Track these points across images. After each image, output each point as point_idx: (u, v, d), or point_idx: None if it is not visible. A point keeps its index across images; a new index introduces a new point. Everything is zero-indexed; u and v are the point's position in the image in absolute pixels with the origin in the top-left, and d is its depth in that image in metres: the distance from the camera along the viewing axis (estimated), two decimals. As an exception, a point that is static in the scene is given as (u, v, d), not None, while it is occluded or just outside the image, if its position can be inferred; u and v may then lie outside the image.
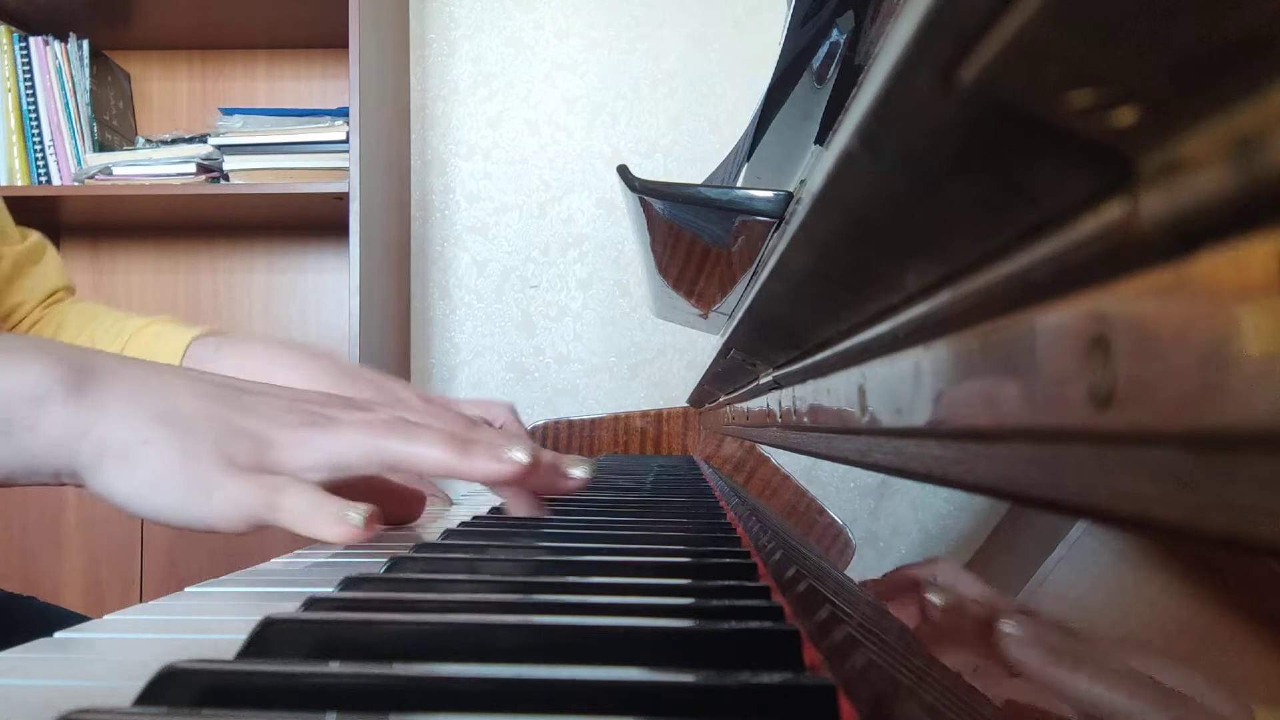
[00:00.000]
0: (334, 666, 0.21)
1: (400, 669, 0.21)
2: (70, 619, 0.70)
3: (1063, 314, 0.13)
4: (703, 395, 1.02)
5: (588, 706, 0.20)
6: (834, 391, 0.32)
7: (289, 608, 0.27)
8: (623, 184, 0.56)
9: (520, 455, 0.43)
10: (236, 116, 1.89)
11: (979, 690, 0.17)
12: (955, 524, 0.23)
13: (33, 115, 1.88)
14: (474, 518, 0.50)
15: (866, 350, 0.26)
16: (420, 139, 2.10)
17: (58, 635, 0.29)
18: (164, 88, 2.12)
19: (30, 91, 1.89)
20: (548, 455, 0.48)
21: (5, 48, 1.89)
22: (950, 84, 0.13)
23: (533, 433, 0.70)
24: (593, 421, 1.20)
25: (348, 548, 0.45)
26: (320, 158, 1.83)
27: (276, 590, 0.37)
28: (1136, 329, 0.11)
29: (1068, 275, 0.13)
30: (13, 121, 1.87)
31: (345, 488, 0.43)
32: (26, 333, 0.76)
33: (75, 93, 1.89)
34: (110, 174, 1.84)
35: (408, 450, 0.42)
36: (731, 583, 0.32)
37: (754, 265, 0.49)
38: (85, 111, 1.89)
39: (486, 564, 0.37)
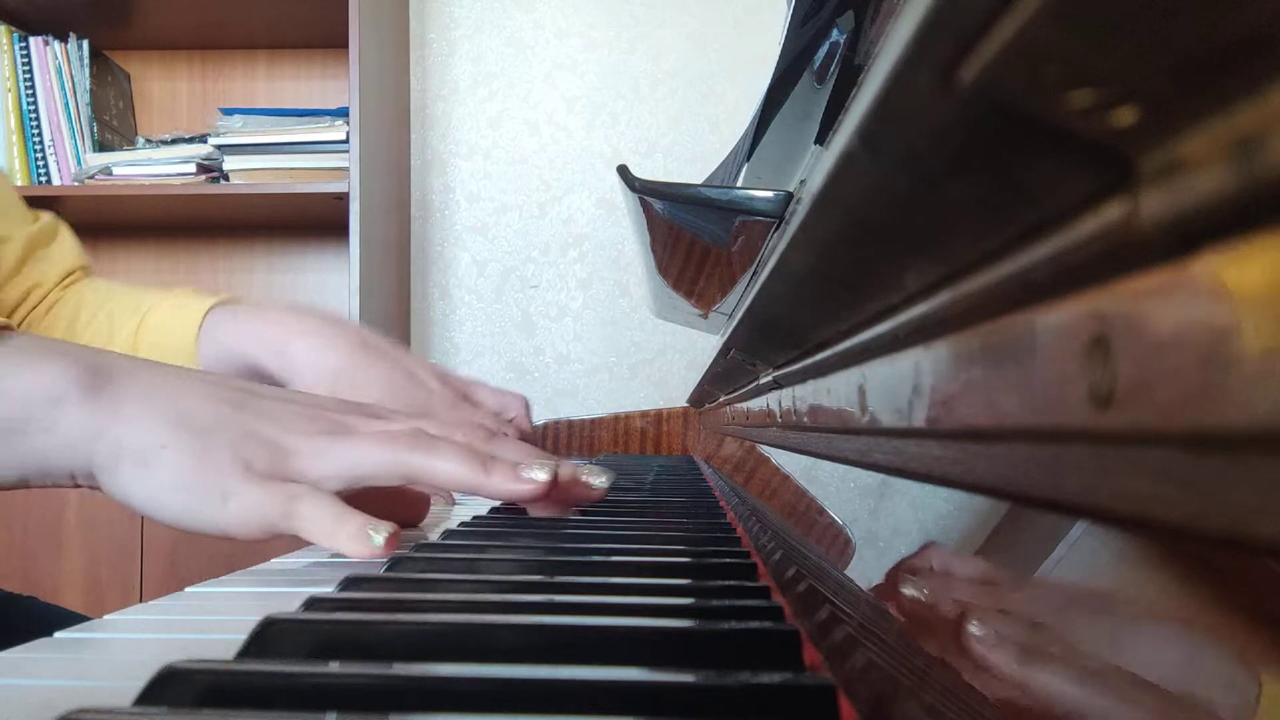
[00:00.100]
0: (334, 666, 0.21)
1: (400, 669, 0.21)
2: (70, 619, 0.70)
3: (1063, 314, 0.13)
4: (703, 395, 1.02)
5: (588, 706, 0.20)
6: (834, 391, 0.32)
7: (289, 608, 0.27)
8: (623, 184, 0.56)
9: (540, 474, 0.43)
10: (236, 116, 1.89)
11: (979, 690, 0.17)
12: (955, 524, 0.23)
13: (33, 115, 1.88)
14: (474, 518, 0.50)
15: (866, 350, 0.26)
16: (420, 139, 2.10)
17: (58, 635, 0.29)
18: (164, 88, 2.12)
19: (30, 91, 1.89)
20: (566, 469, 0.47)
21: (5, 48, 1.89)
22: (950, 84, 0.13)
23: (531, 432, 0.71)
24: (593, 421, 1.20)
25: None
26: (320, 158, 1.83)
27: (277, 590, 0.37)
28: (1136, 329, 0.11)
29: (1068, 275, 0.13)
30: (13, 121, 1.87)
31: (354, 492, 0.43)
32: (47, 314, 0.75)
33: (75, 93, 1.89)
34: (110, 174, 1.84)
35: (427, 465, 0.42)
36: (731, 583, 0.32)
37: (754, 265, 0.49)
38: (85, 111, 1.89)
39: (487, 564, 0.37)
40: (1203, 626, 0.12)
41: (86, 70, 1.90)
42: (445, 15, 2.11)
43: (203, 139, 1.88)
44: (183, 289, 0.75)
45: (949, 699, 0.18)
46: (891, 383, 0.23)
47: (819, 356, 0.34)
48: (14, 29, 1.89)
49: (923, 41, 0.13)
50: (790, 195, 0.44)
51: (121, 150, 1.92)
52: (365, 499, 0.44)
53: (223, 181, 1.85)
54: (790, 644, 0.23)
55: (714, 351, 0.75)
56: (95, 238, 2.03)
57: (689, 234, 0.59)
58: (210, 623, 0.32)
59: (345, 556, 0.40)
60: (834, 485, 0.37)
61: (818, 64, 0.51)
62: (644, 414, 1.24)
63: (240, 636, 0.24)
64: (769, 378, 0.50)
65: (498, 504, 0.57)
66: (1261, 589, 0.10)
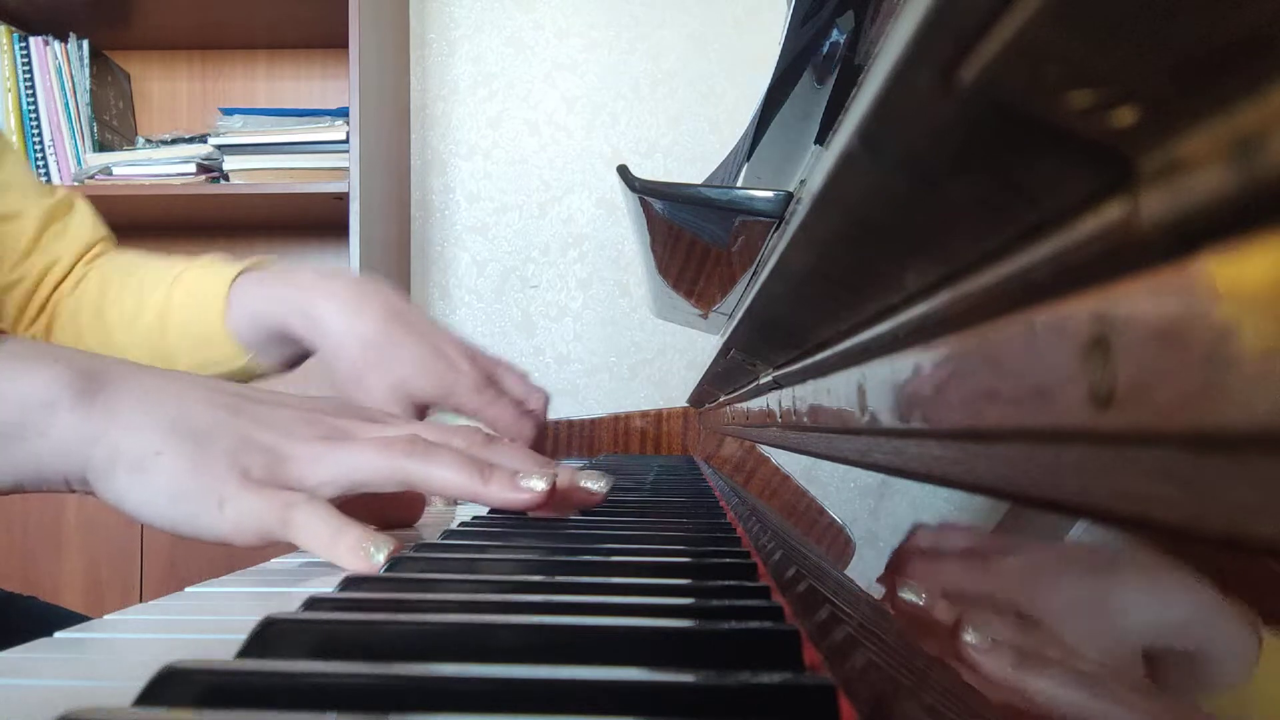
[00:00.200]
0: (334, 666, 0.21)
1: (400, 669, 0.21)
2: (71, 619, 0.70)
3: (1063, 314, 0.13)
4: (703, 395, 1.02)
5: (588, 706, 0.20)
6: (834, 391, 0.32)
7: (289, 608, 0.27)
8: (623, 184, 0.56)
9: (538, 484, 0.43)
10: (236, 116, 1.89)
11: (979, 691, 0.17)
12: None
13: (33, 115, 1.88)
14: (474, 518, 0.50)
15: (866, 350, 0.26)
16: (420, 139, 2.10)
17: (58, 635, 0.29)
18: (164, 88, 2.12)
19: (30, 91, 1.89)
20: (565, 475, 0.47)
21: (5, 48, 1.89)
22: (950, 84, 0.13)
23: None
24: (593, 421, 1.20)
25: None
26: (320, 158, 1.83)
27: (276, 590, 0.37)
28: (1136, 329, 0.11)
29: (1068, 275, 0.13)
30: (13, 121, 1.87)
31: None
32: (74, 290, 0.75)
33: (75, 93, 1.89)
34: (110, 174, 1.84)
35: (425, 472, 0.42)
36: (731, 583, 0.32)
37: (754, 265, 0.49)
38: (85, 111, 1.89)
39: (486, 564, 0.37)
40: (1202, 626, 0.12)
41: (86, 70, 1.90)
42: (445, 15, 2.11)
43: (203, 139, 1.89)
44: (210, 255, 0.74)
45: (949, 699, 0.18)
46: (891, 383, 0.23)
47: (819, 356, 0.34)
48: (14, 29, 1.89)
49: (923, 41, 0.13)
50: (790, 195, 0.44)
51: (121, 150, 1.92)
52: (361, 499, 0.44)
53: (223, 181, 1.85)
54: (790, 644, 0.23)
55: (714, 351, 0.75)
56: (95, 238, 2.03)
57: (689, 234, 0.59)
58: (210, 623, 0.32)
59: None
60: (834, 485, 0.37)
61: (818, 64, 0.51)
62: (644, 414, 1.24)
63: (240, 636, 0.24)
64: (769, 378, 0.50)
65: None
66: (1262, 589, 0.10)
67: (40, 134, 1.87)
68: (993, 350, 0.16)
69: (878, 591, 0.27)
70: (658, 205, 0.56)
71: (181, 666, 0.20)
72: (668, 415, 1.28)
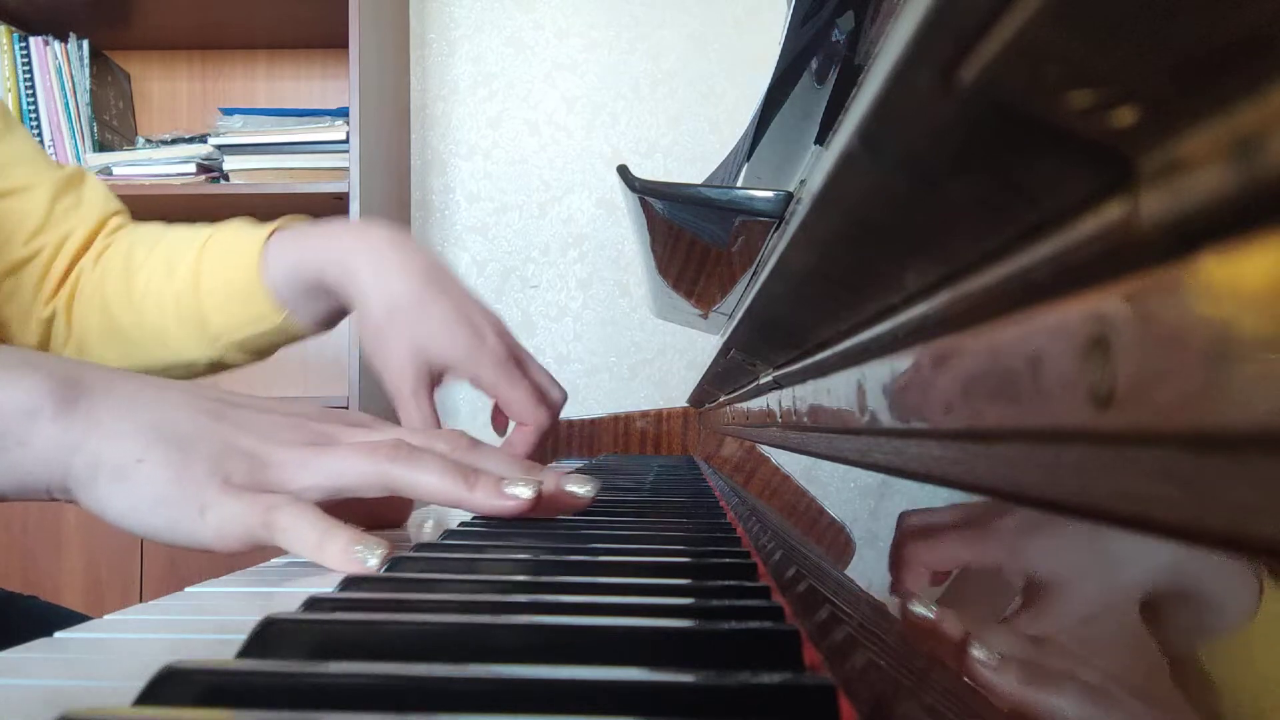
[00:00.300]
0: (334, 666, 0.21)
1: (400, 669, 0.21)
2: (72, 619, 0.70)
3: (1063, 314, 0.13)
4: (703, 395, 1.02)
5: (588, 706, 0.20)
6: (834, 391, 0.32)
7: (289, 608, 0.27)
8: (623, 184, 0.56)
9: (524, 491, 0.43)
10: (236, 116, 1.89)
11: (980, 691, 0.17)
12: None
13: (33, 115, 1.88)
14: (474, 518, 0.50)
15: (866, 350, 0.26)
16: (420, 139, 2.10)
17: (57, 635, 0.29)
18: (164, 88, 2.12)
19: (30, 91, 1.89)
20: (550, 481, 0.47)
21: (5, 48, 1.89)
22: (950, 84, 0.13)
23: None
24: (593, 421, 1.20)
25: None
26: (320, 158, 1.83)
27: (277, 590, 0.37)
28: (1136, 329, 0.11)
29: (1068, 275, 0.13)
30: (13, 121, 1.87)
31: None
32: (96, 263, 0.74)
33: (75, 93, 1.89)
34: (110, 174, 1.84)
35: (410, 477, 0.42)
36: (731, 583, 0.32)
37: (754, 265, 0.49)
38: (85, 111, 1.89)
39: (486, 564, 0.37)
40: (1201, 626, 0.12)
41: (86, 70, 1.90)
42: (445, 15, 2.11)
43: (203, 139, 1.89)
44: (236, 220, 0.74)
45: (949, 699, 0.18)
46: (891, 383, 0.23)
47: (819, 356, 0.34)
48: (14, 29, 1.89)
49: (923, 41, 0.13)
50: (790, 195, 0.44)
51: (121, 150, 1.92)
52: (348, 501, 0.43)
53: (223, 181, 1.85)
54: (790, 644, 0.23)
55: (714, 351, 0.75)
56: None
57: (689, 234, 0.59)
58: (210, 623, 0.32)
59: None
60: (834, 485, 0.37)
61: (818, 64, 0.51)
62: (644, 414, 1.24)
63: (240, 636, 0.24)
64: (769, 378, 0.50)
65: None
66: (1261, 589, 0.10)
67: (40, 134, 1.87)
68: (993, 350, 0.16)
69: (878, 591, 0.27)
70: (658, 205, 0.56)
71: (181, 666, 0.20)
72: (668, 415, 1.28)
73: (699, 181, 0.66)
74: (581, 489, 0.48)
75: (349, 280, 0.66)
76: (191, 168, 1.83)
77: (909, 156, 0.16)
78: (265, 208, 1.90)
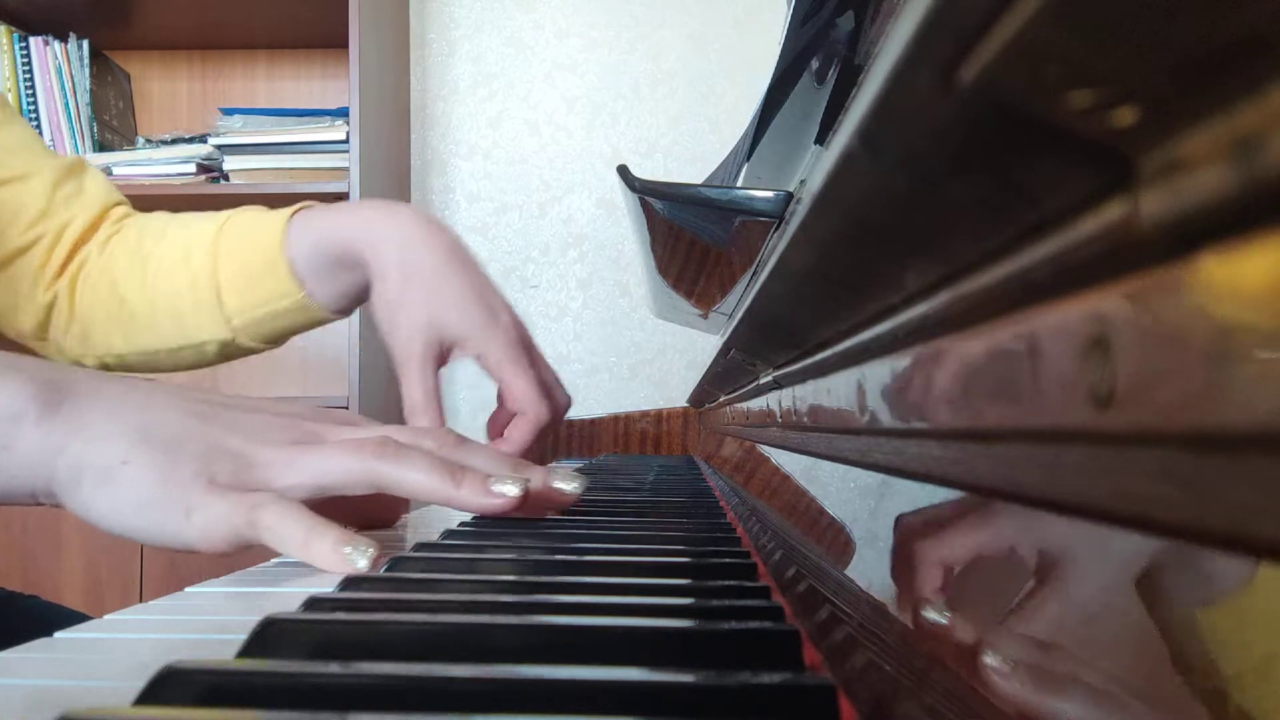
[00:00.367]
0: (334, 666, 0.21)
1: (400, 669, 0.21)
2: (72, 618, 0.70)
3: (1063, 314, 0.13)
4: (703, 395, 1.02)
5: (588, 706, 0.20)
6: (834, 391, 0.32)
7: (289, 608, 0.27)
8: (623, 184, 0.56)
9: (511, 489, 0.43)
10: (236, 116, 1.89)
11: (980, 691, 0.17)
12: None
13: (33, 115, 1.88)
14: (474, 518, 0.50)
15: (866, 350, 0.26)
16: (420, 139, 2.10)
17: (57, 635, 0.29)
18: (164, 88, 2.12)
19: (30, 91, 1.89)
20: (537, 479, 0.46)
21: (5, 48, 1.89)
22: (950, 84, 0.13)
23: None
24: (593, 421, 1.20)
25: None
26: (320, 158, 1.83)
27: (277, 590, 0.37)
28: (1136, 329, 0.11)
29: (1068, 275, 0.13)
30: (13, 121, 1.87)
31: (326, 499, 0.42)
32: (102, 251, 0.74)
33: (75, 93, 1.89)
34: (110, 174, 1.84)
35: (396, 475, 0.41)
36: (731, 583, 0.32)
37: (754, 265, 0.49)
38: (85, 111, 1.89)
39: (486, 564, 0.37)
40: (1200, 626, 0.12)
41: (86, 70, 1.90)
42: (445, 15, 2.11)
43: (203, 139, 1.89)
44: (250, 207, 0.73)
45: (949, 699, 0.18)
46: (891, 383, 0.23)
47: (819, 356, 0.34)
48: (14, 29, 1.89)
49: (923, 41, 0.13)
50: (790, 195, 0.44)
51: (121, 150, 1.92)
52: (339, 500, 0.43)
53: (223, 181, 1.85)
54: (790, 644, 0.23)
55: (714, 351, 0.75)
56: (95, 238, 2.03)
57: (689, 234, 0.59)
58: (210, 623, 0.32)
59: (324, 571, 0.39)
60: (834, 485, 0.37)
61: (818, 64, 0.51)
62: (644, 414, 1.24)
63: (240, 636, 0.24)
64: (769, 378, 0.50)
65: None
66: (1261, 589, 0.10)
67: (40, 134, 1.87)
68: (993, 350, 0.16)
69: (878, 591, 0.27)
70: (658, 205, 0.56)
71: (181, 666, 0.20)
72: (668, 415, 1.28)
73: (699, 181, 0.66)
74: (569, 486, 0.48)
75: (375, 249, 0.66)
76: (191, 168, 1.83)
77: (909, 156, 0.16)
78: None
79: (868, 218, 0.19)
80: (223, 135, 1.85)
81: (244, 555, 0.41)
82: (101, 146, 1.90)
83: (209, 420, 0.41)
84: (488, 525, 0.48)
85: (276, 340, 0.74)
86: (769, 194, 0.46)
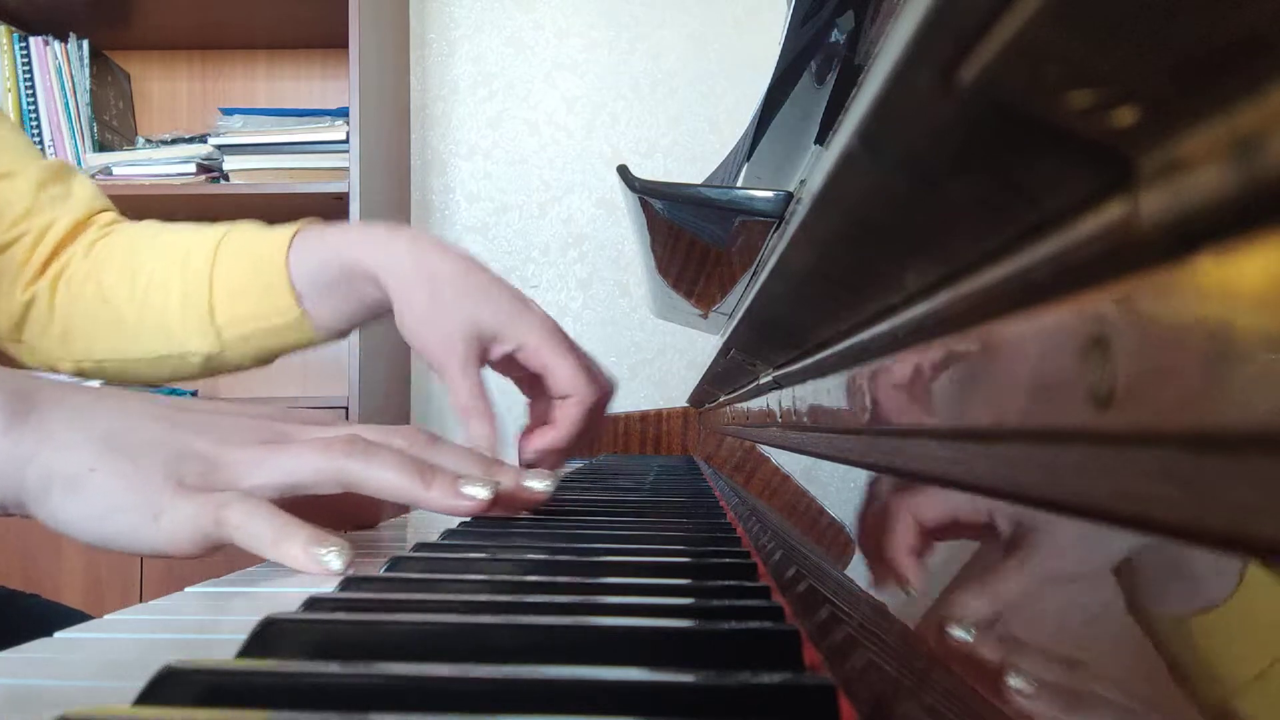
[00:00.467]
0: (334, 666, 0.21)
1: (400, 669, 0.21)
2: (72, 617, 0.70)
3: (1063, 314, 0.13)
4: (703, 395, 1.02)
5: (588, 706, 0.20)
6: (834, 391, 0.32)
7: (289, 607, 0.27)
8: (623, 184, 0.56)
9: (480, 492, 0.43)
10: (236, 116, 1.89)
11: (980, 691, 0.17)
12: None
13: (33, 115, 1.88)
14: (473, 518, 0.50)
15: (866, 350, 0.26)
16: (420, 139, 2.10)
17: (57, 635, 0.29)
18: (164, 88, 2.12)
19: (30, 91, 1.89)
20: (508, 480, 0.46)
21: (5, 48, 1.89)
22: (950, 84, 0.13)
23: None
24: (593, 421, 1.20)
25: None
26: (320, 158, 1.83)
27: (276, 590, 0.37)
28: (1136, 329, 0.11)
29: (1068, 275, 0.13)
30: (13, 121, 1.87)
31: (301, 499, 0.42)
32: (87, 255, 0.72)
33: (75, 93, 1.89)
34: (110, 174, 1.84)
35: (365, 473, 0.41)
36: (731, 583, 0.32)
37: (754, 265, 0.49)
38: (85, 111, 1.89)
39: (486, 564, 0.37)
40: (1201, 627, 0.12)
41: (86, 70, 1.90)
42: (445, 15, 2.11)
43: (203, 139, 1.88)
44: (242, 223, 0.72)
45: (949, 699, 0.18)
46: (891, 383, 0.23)
47: (819, 356, 0.34)
48: (14, 29, 1.89)
49: (923, 41, 0.13)
50: (790, 195, 0.44)
51: (121, 150, 1.92)
52: (318, 501, 0.43)
53: (223, 181, 1.85)
54: (790, 644, 0.23)
55: (714, 351, 0.75)
56: (95, 238, 2.03)
57: (689, 234, 0.59)
58: (210, 623, 0.32)
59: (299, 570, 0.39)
60: (834, 485, 0.37)
61: (818, 64, 0.51)
62: (644, 414, 1.24)
63: (240, 636, 0.24)
64: (769, 378, 0.50)
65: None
66: (1262, 589, 0.10)
67: (40, 134, 1.88)
68: (993, 350, 0.16)
69: (878, 591, 0.27)
70: (658, 205, 0.56)
71: (181, 666, 0.20)
72: (668, 415, 1.28)
73: (699, 181, 0.66)
74: (540, 485, 0.48)
75: (391, 267, 0.64)
76: (191, 168, 1.83)
77: (909, 156, 0.16)
78: (265, 208, 1.90)
79: (868, 218, 0.19)
80: (223, 135, 1.85)
81: (244, 556, 0.40)
82: (101, 146, 1.90)
83: (177, 424, 0.41)
84: (488, 525, 0.48)
85: (263, 359, 0.72)
86: (769, 194, 0.46)
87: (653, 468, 0.94)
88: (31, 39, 1.90)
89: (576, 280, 2.08)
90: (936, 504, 0.23)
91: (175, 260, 0.70)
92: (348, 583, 0.33)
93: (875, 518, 0.28)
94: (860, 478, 0.32)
